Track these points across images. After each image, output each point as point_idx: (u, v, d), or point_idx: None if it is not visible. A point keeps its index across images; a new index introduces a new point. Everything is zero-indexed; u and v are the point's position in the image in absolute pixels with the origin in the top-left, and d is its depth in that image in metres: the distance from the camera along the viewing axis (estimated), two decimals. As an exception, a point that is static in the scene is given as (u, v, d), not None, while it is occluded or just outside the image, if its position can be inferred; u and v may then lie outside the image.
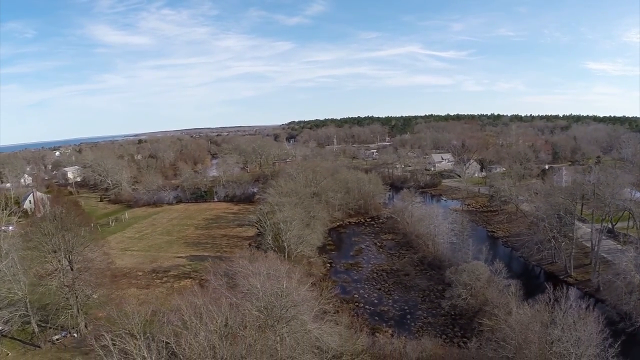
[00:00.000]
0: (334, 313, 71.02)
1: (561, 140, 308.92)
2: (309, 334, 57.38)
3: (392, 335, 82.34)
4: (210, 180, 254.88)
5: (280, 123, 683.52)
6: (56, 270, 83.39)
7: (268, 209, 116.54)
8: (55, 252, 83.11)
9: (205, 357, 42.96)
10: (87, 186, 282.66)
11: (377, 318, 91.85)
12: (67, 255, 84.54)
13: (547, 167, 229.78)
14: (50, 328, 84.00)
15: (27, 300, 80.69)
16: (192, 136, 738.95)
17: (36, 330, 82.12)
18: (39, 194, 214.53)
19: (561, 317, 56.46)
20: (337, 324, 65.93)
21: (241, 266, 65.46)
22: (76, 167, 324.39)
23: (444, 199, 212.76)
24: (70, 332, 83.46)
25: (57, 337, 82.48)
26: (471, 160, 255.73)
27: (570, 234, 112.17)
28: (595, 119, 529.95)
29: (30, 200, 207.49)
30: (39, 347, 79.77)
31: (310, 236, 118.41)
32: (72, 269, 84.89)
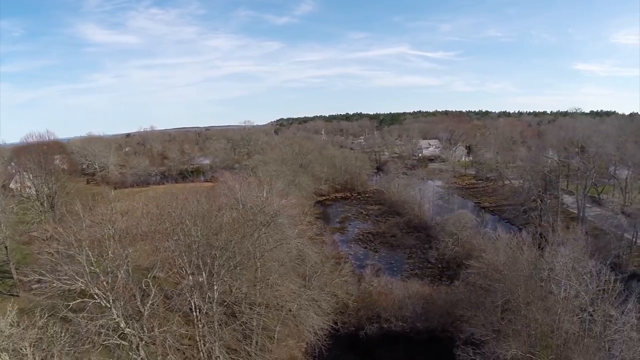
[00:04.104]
0: (318, 235, 70.54)
1: (548, 128, 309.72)
2: (290, 247, 56.74)
3: (378, 276, 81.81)
4: (197, 165, 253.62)
5: (269, 121, 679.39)
6: (39, 212, 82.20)
7: (253, 164, 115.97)
8: (37, 192, 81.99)
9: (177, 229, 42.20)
10: (74, 173, 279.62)
11: (362, 271, 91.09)
12: (50, 200, 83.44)
13: (533, 148, 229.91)
14: (30, 277, 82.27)
15: (7, 244, 79.06)
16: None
17: (15, 277, 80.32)
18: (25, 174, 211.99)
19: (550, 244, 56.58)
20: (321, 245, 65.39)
21: (221, 174, 64.71)
22: (63, 155, 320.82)
23: (430, 179, 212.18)
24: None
25: (36, 285, 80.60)
26: (458, 144, 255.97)
27: (556, 193, 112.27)
28: (583, 114, 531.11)
29: (16, 180, 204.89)
30: (17, 295, 78.08)
31: (296, 194, 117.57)
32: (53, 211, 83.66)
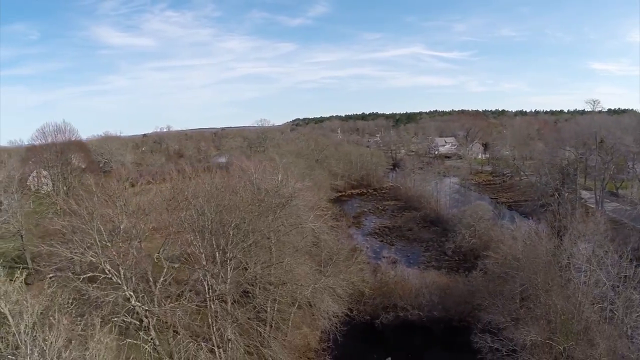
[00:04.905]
0: (334, 220, 70.10)
1: (565, 125, 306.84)
2: (306, 232, 56.19)
3: (395, 264, 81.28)
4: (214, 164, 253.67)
5: (285, 121, 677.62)
6: (53, 203, 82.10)
7: (269, 158, 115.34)
8: (53, 183, 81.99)
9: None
10: (93, 170, 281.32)
11: (378, 262, 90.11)
12: (66, 193, 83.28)
13: (550, 142, 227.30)
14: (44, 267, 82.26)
15: (23, 233, 79.24)
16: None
17: (30, 265, 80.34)
18: (43, 171, 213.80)
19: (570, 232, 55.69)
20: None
21: (237, 158, 64.42)
22: (81, 153, 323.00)
23: (447, 176, 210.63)
24: (64, 272, 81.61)
25: (50, 275, 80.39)
26: (475, 141, 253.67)
27: (574, 186, 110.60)
28: (600, 112, 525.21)
29: (33, 176, 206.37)
30: (30, 284, 78.06)
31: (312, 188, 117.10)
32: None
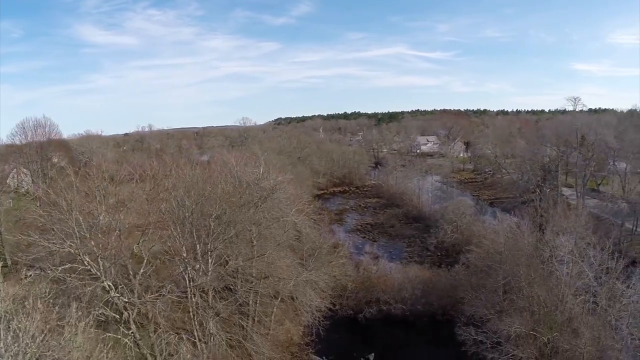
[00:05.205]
0: (316, 215, 69.68)
1: (546, 124, 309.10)
2: (288, 226, 55.76)
3: (377, 259, 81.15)
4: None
5: (267, 121, 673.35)
6: (33, 199, 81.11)
7: (250, 152, 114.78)
8: (33, 180, 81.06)
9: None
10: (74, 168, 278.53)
11: (361, 258, 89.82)
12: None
13: (531, 139, 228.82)
14: (24, 265, 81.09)
15: (2, 229, 77.94)
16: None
17: (9, 263, 79.07)
18: (24, 169, 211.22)
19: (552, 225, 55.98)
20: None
21: (218, 152, 63.81)
22: (61, 151, 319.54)
23: (429, 173, 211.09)
24: (43, 270, 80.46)
25: (30, 273, 79.24)
26: (456, 140, 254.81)
27: (555, 182, 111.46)
28: (581, 111, 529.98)
29: (13, 176, 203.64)
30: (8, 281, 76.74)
31: (294, 185, 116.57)
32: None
